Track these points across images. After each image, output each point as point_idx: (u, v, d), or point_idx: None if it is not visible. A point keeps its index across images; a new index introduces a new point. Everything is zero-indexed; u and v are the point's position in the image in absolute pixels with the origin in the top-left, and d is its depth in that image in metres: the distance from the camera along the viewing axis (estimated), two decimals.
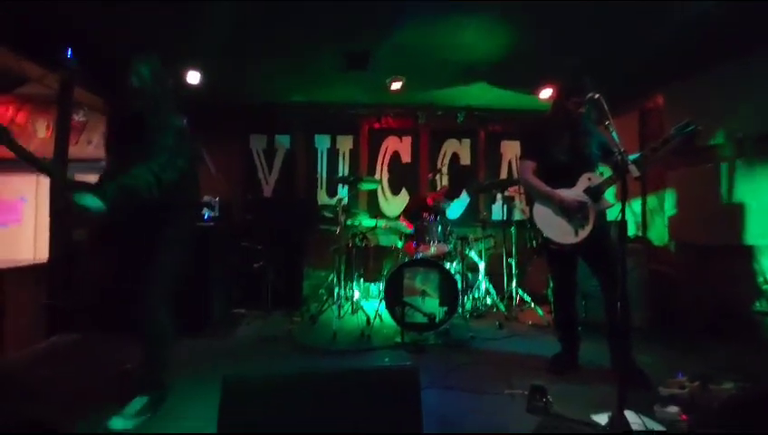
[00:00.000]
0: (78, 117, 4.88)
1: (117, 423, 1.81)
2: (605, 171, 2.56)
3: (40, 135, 4.75)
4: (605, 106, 1.93)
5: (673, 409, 1.90)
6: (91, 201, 1.75)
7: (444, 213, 4.00)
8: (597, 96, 1.96)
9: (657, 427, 1.79)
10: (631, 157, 2.02)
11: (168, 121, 2.02)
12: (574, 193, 2.41)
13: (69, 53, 3.15)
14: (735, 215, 3.40)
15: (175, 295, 2.11)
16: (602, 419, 1.82)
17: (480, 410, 2.06)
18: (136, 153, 1.93)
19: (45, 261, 3.40)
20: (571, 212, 2.40)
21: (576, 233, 2.40)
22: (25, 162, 1.89)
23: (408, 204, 4.77)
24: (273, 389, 1.23)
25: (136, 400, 1.91)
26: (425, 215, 3.82)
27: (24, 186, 5.04)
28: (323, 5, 2.85)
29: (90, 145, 5.04)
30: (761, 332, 3.08)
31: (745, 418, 1.72)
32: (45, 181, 4.71)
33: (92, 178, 3.91)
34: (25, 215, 5.06)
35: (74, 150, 4.43)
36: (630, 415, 1.73)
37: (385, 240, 4.74)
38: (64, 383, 2.32)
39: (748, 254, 3.28)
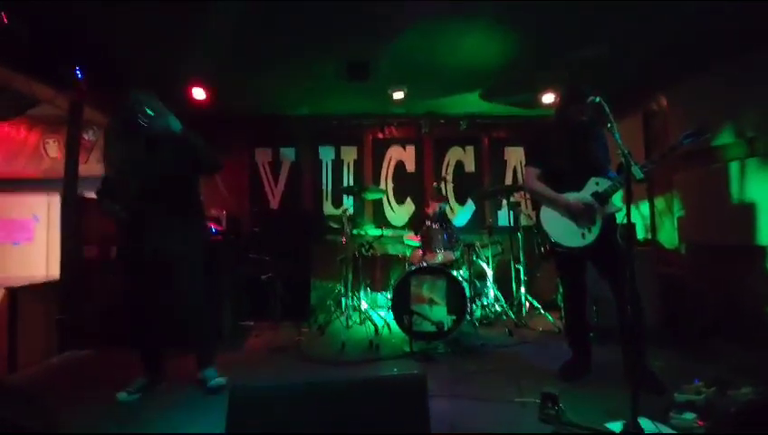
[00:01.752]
0: (88, 136, 5.00)
1: (122, 396, 2.28)
2: None
3: (51, 155, 4.86)
4: (606, 109, 1.93)
5: (689, 415, 1.86)
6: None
7: (446, 217, 4.00)
8: (597, 100, 1.96)
9: (673, 434, 1.75)
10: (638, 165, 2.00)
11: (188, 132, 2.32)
12: (580, 197, 2.40)
13: (77, 72, 3.23)
14: (746, 215, 3.35)
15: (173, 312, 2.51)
16: (617, 427, 1.78)
17: (490, 418, 2.03)
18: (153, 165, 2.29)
19: (57, 278, 3.45)
20: (578, 215, 2.39)
21: (583, 236, 2.38)
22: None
23: (411, 219, 4.76)
24: (281, 399, 1.23)
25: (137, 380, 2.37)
26: (428, 224, 3.84)
27: (36, 205, 5.14)
28: (324, 16, 2.90)
29: (100, 163, 5.14)
30: None
31: (763, 422, 1.67)
32: (57, 200, 4.81)
33: None
34: (38, 233, 5.16)
35: (84, 169, 4.52)
36: (645, 423, 1.69)
37: (392, 249, 4.74)
38: (76, 398, 2.34)
39: (760, 254, 3.22)
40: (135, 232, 2.31)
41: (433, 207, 4.10)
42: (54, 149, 4.89)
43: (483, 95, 4.47)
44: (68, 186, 3.44)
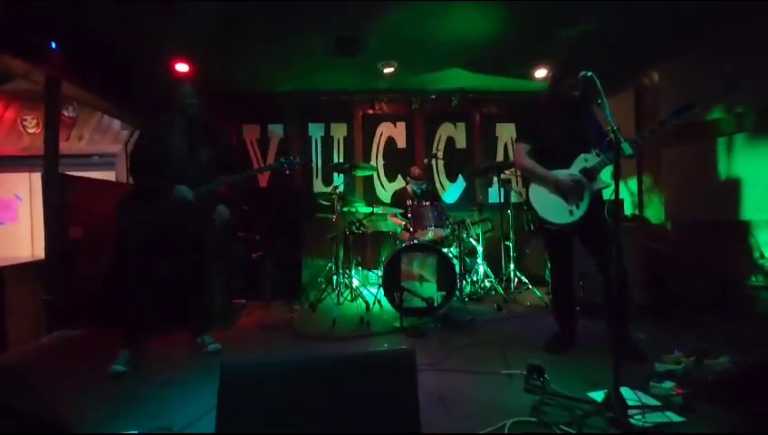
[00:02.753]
0: (68, 112, 4.84)
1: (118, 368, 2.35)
2: None
3: (30, 131, 4.71)
4: (598, 84, 1.90)
5: (668, 384, 1.93)
6: None
7: (436, 194, 4.03)
8: (589, 74, 1.93)
9: (653, 402, 1.82)
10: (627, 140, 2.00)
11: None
12: (569, 173, 2.41)
13: (52, 44, 3.08)
14: (732, 190, 3.40)
15: (175, 288, 2.66)
16: (599, 396, 1.85)
17: (478, 390, 2.09)
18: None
19: (43, 258, 3.40)
20: (566, 192, 2.40)
21: (571, 212, 2.40)
22: None
23: (392, 197, 4.74)
24: (272, 375, 1.24)
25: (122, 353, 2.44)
26: (408, 203, 3.87)
27: (19, 184, 5.01)
28: None
29: (81, 141, 5.00)
30: (756, 306, 3.11)
31: (739, 389, 1.75)
32: (39, 178, 4.69)
33: (85, 173, 3.88)
34: (21, 213, 5.05)
35: (65, 146, 4.40)
36: (626, 391, 1.75)
37: (382, 226, 4.74)
38: (65, 378, 2.35)
39: (744, 229, 3.29)
40: (170, 210, 2.45)
41: (410, 185, 4.13)
42: (33, 126, 4.73)
43: (473, 68, 4.40)
44: (49, 164, 3.34)
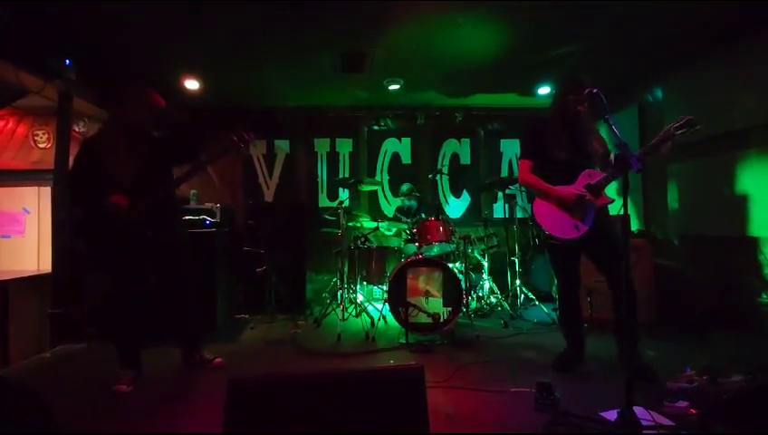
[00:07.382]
0: (78, 128, 4.90)
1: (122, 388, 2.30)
2: None
3: (41, 146, 4.77)
4: (604, 101, 1.92)
5: (682, 403, 1.88)
6: None
7: (441, 209, 4.08)
8: (595, 91, 1.95)
9: (667, 422, 1.78)
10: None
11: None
12: (573, 189, 2.40)
13: (66, 61, 3.16)
14: (739, 206, 3.38)
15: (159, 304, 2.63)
16: (611, 415, 1.80)
17: (487, 408, 2.05)
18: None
19: (49, 271, 3.41)
20: (571, 207, 2.39)
21: (576, 227, 2.38)
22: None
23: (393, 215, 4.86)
24: (278, 391, 1.22)
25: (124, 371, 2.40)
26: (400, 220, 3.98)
27: (27, 197, 5.06)
28: (319, 6, 2.86)
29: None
30: (767, 323, 3.06)
31: (755, 409, 1.70)
32: (47, 192, 4.73)
33: None
34: (28, 226, 5.08)
35: None
36: (640, 411, 1.71)
37: (387, 241, 4.74)
38: (71, 392, 2.32)
39: (752, 245, 3.26)
40: (125, 228, 2.32)
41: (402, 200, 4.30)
42: (44, 141, 4.80)
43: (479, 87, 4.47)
44: (59, 178, 3.38)
